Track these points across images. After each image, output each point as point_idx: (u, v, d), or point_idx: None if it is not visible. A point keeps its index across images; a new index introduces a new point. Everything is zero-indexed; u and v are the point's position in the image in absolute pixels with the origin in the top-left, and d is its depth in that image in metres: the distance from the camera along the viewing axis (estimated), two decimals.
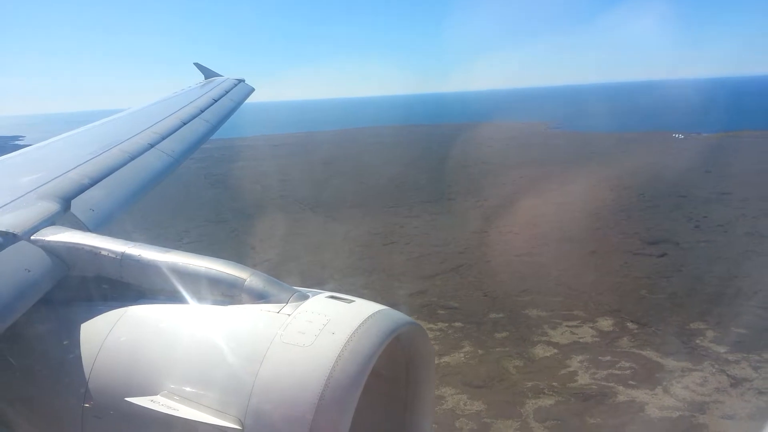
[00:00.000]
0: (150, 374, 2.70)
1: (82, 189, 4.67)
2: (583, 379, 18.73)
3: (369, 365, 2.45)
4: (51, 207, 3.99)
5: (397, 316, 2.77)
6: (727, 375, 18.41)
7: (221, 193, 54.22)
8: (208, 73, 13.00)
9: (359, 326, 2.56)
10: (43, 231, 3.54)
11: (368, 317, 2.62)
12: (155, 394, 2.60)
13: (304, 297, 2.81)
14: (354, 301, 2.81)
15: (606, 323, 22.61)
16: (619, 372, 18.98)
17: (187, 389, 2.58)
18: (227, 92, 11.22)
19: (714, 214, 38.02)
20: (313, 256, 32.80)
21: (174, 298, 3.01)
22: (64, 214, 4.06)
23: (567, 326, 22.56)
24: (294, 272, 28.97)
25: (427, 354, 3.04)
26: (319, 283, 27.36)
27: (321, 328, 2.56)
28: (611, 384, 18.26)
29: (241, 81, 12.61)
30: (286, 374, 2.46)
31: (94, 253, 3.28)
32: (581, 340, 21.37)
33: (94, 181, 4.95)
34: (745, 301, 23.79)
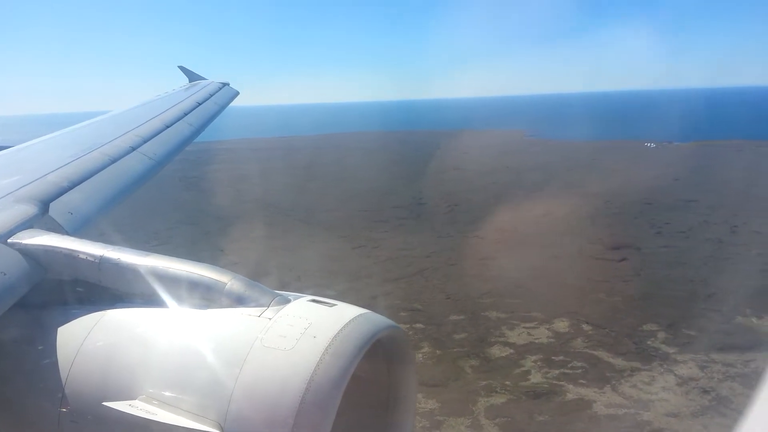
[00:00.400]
0: (128, 378, 2.67)
1: (61, 192, 4.61)
2: (536, 378, 19.15)
3: (350, 368, 2.45)
4: (29, 210, 3.94)
5: (379, 319, 2.77)
6: (675, 374, 18.96)
7: (195, 196, 54.02)
8: (192, 77, 12.98)
9: (341, 330, 2.55)
10: (20, 234, 3.50)
11: (349, 321, 2.62)
12: (133, 398, 2.58)
13: (286, 301, 2.79)
14: (336, 305, 2.81)
15: (562, 325, 23.11)
16: (571, 371, 19.43)
17: (166, 393, 2.55)
18: (211, 95, 11.21)
19: (677, 221, 38.92)
20: (280, 258, 32.94)
21: (153, 302, 2.98)
22: (42, 217, 4.02)
23: (524, 327, 23.01)
24: (260, 274, 29.12)
25: (408, 356, 3.06)
26: (283, 286, 27.51)
27: (302, 332, 2.55)
28: (562, 383, 18.69)
29: (225, 84, 12.64)
30: (266, 378, 2.44)
31: (71, 257, 3.25)
32: (537, 341, 21.82)
33: (74, 184, 4.89)
34: (697, 304, 24.50)
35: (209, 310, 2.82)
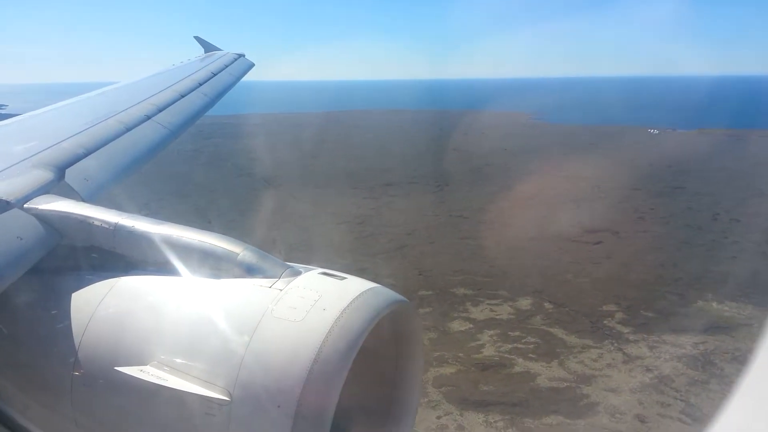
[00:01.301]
0: (140, 344, 2.71)
1: (77, 159, 4.60)
2: (489, 351, 19.94)
3: (359, 341, 2.47)
4: (45, 176, 3.95)
5: (388, 293, 2.80)
6: (623, 353, 19.68)
7: (190, 168, 54.66)
8: (208, 47, 12.87)
9: (350, 303, 2.58)
10: (36, 199, 3.53)
11: (359, 294, 2.65)
12: (145, 364, 2.62)
13: (297, 273, 2.83)
14: (346, 278, 2.85)
15: (525, 302, 23.83)
16: (523, 346, 20.20)
17: (177, 360, 2.60)
18: (226, 66, 11.11)
19: (661, 207, 39.32)
20: (266, 231, 33.68)
21: (166, 270, 3.01)
22: (58, 183, 4.02)
23: (488, 304, 23.76)
24: (265, 241, 29.95)
25: (415, 331, 3.09)
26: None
27: (312, 304, 2.58)
28: (512, 357, 19.48)
29: (241, 56, 12.54)
30: (276, 348, 2.48)
31: (87, 223, 3.27)
32: (498, 317, 22.58)
33: (90, 151, 4.87)
34: (661, 287, 25.12)
35: (221, 280, 2.86)
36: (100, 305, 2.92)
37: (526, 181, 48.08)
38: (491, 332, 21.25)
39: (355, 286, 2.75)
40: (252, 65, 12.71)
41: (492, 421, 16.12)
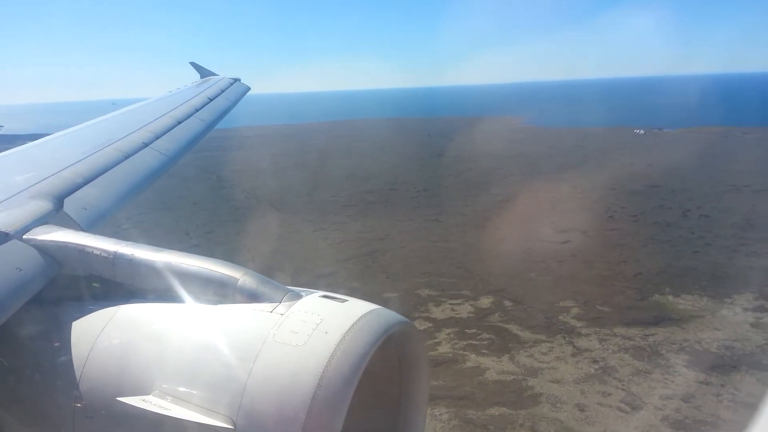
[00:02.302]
0: (142, 374, 2.70)
1: (75, 188, 4.63)
2: (444, 348, 20.51)
3: (362, 364, 2.45)
4: (43, 206, 3.95)
5: (390, 315, 2.75)
6: (573, 346, 20.24)
7: (175, 181, 55.46)
8: (203, 72, 13.03)
9: (352, 326, 2.55)
10: (35, 230, 3.54)
11: (361, 317, 2.62)
12: (147, 393, 2.62)
13: (298, 296, 2.81)
14: (347, 300, 2.82)
15: (486, 301, 24.42)
16: (477, 342, 20.77)
17: (180, 389, 2.59)
18: (223, 91, 11.22)
19: (633, 206, 39.92)
20: (243, 241, 34.40)
21: (166, 297, 3.01)
22: (56, 213, 4.02)
23: (450, 304, 24.35)
24: (218, 256, 30.63)
25: (419, 352, 3.04)
26: (240, 264, 29.03)
27: (314, 328, 2.57)
28: (466, 353, 20.04)
29: (236, 80, 12.69)
30: (278, 374, 2.46)
31: (85, 252, 3.28)
32: (457, 316, 23.15)
33: (88, 180, 4.90)
34: (620, 283, 25.70)
35: (222, 306, 2.85)
36: (101, 335, 2.91)
37: (504, 184, 48.89)
38: (449, 330, 21.82)
39: (356, 308, 2.71)
40: (248, 89, 12.85)
41: (437, 414, 16.66)
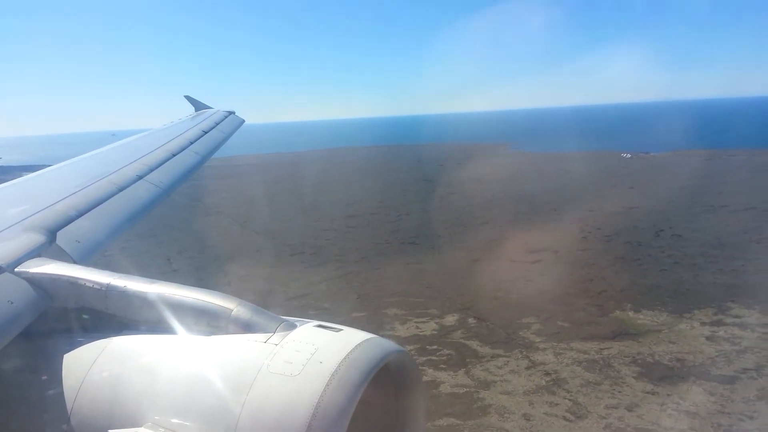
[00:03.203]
0: (134, 406, 2.69)
1: (68, 221, 4.64)
2: None
3: (357, 394, 2.44)
4: (36, 239, 3.97)
5: (386, 344, 2.78)
6: (529, 359, 20.68)
7: (160, 209, 55.87)
8: (198, 105, 13.23)
9: (347, 355, 2.55)
10: (27, 263, 3.56)
11: (356, 346, 2.62)
12: (139, 426, 2.61)
13: (292, 326, 2.80)
14: (342, 329, 2.82)
15: (451, 319, 24.90)
16: (437, 358, 21.20)
17: (173, 420, 2.57)
18: (217, 124, 11.32)
19: (608, 227, 40.51)
20: (222, 265, 35.02)
21: (159, 328, 3.01)
22: (49, 245, 4.03)
23: (416, 322, 24.82)
24: (197, 280, 31.26)
25: (415, 382, 3.03)
26: (217, 287, 29.55)
27: (309, 358, 2.56)
28: (424, 367, 20.45)
29: (231, 113, 12.83)
30: (273, 404, 2.45)
31: (77, 285, 3.29)
32: (421, 333, 23.62)
33: (81, 213, 4.91)
34: (583, 300, 26.20)
35: (215, 337, 2.84)
36: (93, 367, 2.91)
37: (484, 208, 49.63)
38: (410, 347, 22.22)
39: (351, 337, 2.72)
40: (242, 122, 13.00)
41: None
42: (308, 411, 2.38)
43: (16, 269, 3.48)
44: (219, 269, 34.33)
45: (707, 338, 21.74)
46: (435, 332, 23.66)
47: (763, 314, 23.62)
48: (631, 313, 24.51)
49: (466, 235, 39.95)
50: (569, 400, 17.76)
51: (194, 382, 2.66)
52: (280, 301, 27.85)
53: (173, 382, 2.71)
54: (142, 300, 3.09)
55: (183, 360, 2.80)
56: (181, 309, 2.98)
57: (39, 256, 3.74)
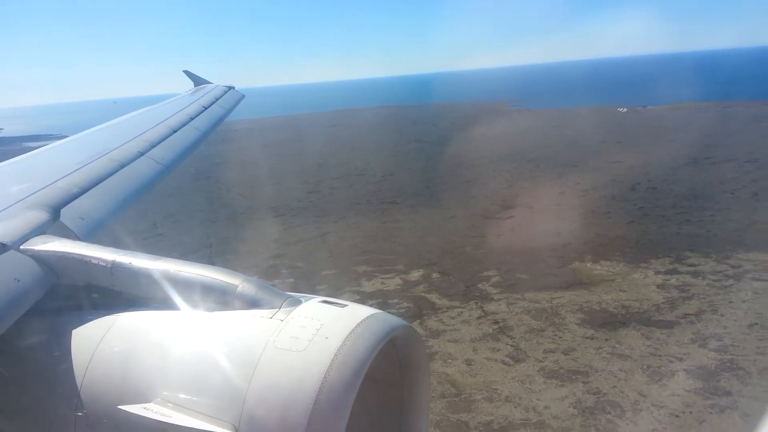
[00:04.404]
0: (143, 381, 2.72)
1: (71, 198, 4.66)
2: None
3: (363, 369, 2.48)
4: (40, 216, 3.98)
5: (391, 319, 2.79)
6: (482, 310, 21.60)
7: None
8: (197, 81, 13.24)
9: (353, 330, 2.58)
10: (32, 240, 3.56)
11: (361, 321, 2.65)
12: (148, 401, 2.63)
13: (297, 302, 2.84)
14: (347, 305, 2.85)
15: (416, 274, 25.80)
16: (395, 311, 22.07)
17: (181, 396, 2.61)
18: (217, 99, 11.38)
19: (587, 181, 41.00)
20: (207, 228, 36.10)
21: (166, 305, 3.03)
22: (53, 223, 4.05)
23: (382, 278, 25.75)
24: (182, 244, 32.37)
25: (421, 356, 3.07)
26: (191, 252, 30.63)
27: (314, 333, 2.59)
28: None
29: (231, 88, 12.89)
30: (280, 379, 2.49)
31: (83, 262, 3.30)
32: (385, 289, 24.56)
33: (84, 190, 4.93)
34: (546, 253, 26.96)
35: (221, 313, 2.88)
36: (101, 344, 2.93)
37: (469, 166, 50.11)
38: (372, 302, 23.18)
39: (356, 312, 2.76)
40: (242, 96, 13.09)
41: None
42: (315, 386, 2.42)
43: (21, 247, 3.49)
44: (203, 232, 35.33)
45: (658, 286, 22.52)
46: (399, 287, 24.59)
47: (717, 262, 24.32)
48: (589, 264, 25.28)
49: (446, 194, 40.65)
50: (511, 345, 18.70)
51: (201, 358, 2.70)
52: (257, 261, 28.85)
53: (181, 358, 2.75)
54: (148, 277, 3.13)
55: (190, 336, 2.85)
56: (186, 285, 3.02)
57: (44, 233, 3.75)
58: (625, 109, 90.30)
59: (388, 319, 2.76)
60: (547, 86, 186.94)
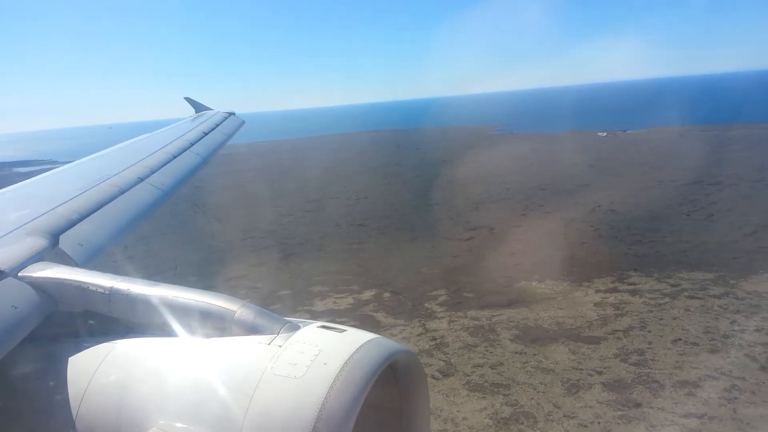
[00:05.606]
0: (139, 410, 2.72)
1: (70, 224, 4.67)
2: None
3: (362, 395, 2.47)
4: (39, 243, 3.98)
5: (390, 344, 2.79)
6: (424, 327, 22.38)
7: None
8: (198, 107, 13.41)
9: (351, 356, 2.57)
10: (30, 267, 3.57)
11: (360, 346, 2.64)
12: (145, 430, 2.62)
13: (295, 328, 2.84)
14: (346, 330, 2.85)
15: (368, 294, 26.61)
16: None
17: (178, 425, 2.60)
18: (217, 125, 11.45)
19: (551, 204, 42.07)
20: (174, 251, 36.93)
21: (163, 331, 3.03)
22: (52, 249, 4.06)
23: (335, 298, 26.54)
24: (149, 266, 33.16)
25: (420, 381, 3.06)
26: (162, 272, 31.39)
27: (312, 359, 2.58)
28: None
29: (231, 114, 12.97)
30: (277, 407, 2.48)
31: (81, 288, 3.30)
32: (336, 308, 25.33)
33: (83, 216, 4.94)
34: (496, 273, 27.79)
35: (219, 339, 2.87)
36: (97, 372, 2.92)
37: (442, 188, 51.20)
38: (322, 320, 23.93)
39: (355, 338, 2.76)
40: (242, 122, 13.15)
41: None
42: (313, 412, 2.40)
43: (19, 274, 3.48)
44: (171, 255, 36.14)
45: (595, 304, 23.34)
46: (350, 306, 25.37)
47: (657, 281, 25.18)
48: (534, 283, 26.10)
49: (413, 216, 41.63)
50: (443, 361, 19.45)
51: (199, 386, 2.68)
52: (219, 282, 29.63)
53: (178, 386, 2.74)
54: (146, 303, 3.11)
55: (187, 363, 2.83)
56: (184, 312, 3.01)
57: (42, 260, 3.76)
58: (605, 134, 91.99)
59: (388, 344, 2.77)
60: (536, 111, 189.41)
